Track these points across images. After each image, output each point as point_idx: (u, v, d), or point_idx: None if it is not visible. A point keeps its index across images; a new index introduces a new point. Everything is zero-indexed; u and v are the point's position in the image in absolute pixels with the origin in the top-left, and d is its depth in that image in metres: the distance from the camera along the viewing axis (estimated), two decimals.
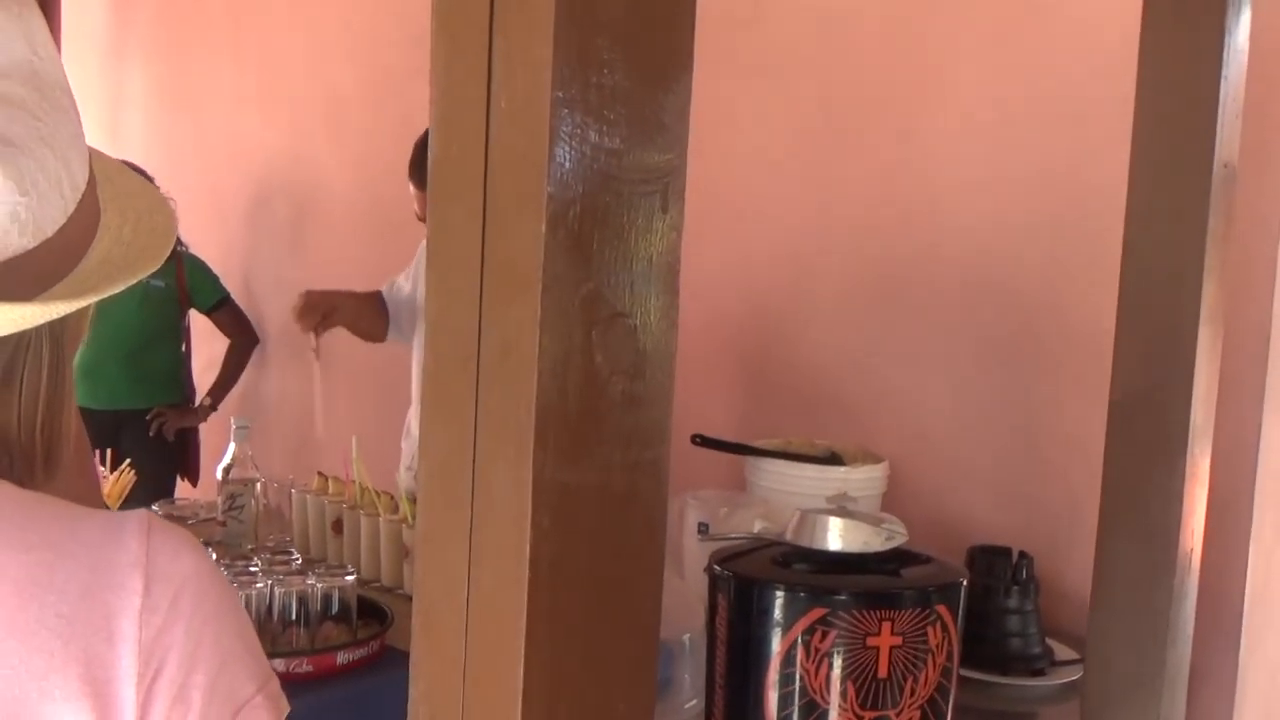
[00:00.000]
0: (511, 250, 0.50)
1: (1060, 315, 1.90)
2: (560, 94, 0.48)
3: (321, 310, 2.17)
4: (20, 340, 0.64)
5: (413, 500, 1.89)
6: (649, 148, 0.53)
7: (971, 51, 2.00)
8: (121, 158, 3.43)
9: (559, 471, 0.51)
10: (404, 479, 2.26)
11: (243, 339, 3.45)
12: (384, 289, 2.44)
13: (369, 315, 2.38)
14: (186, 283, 3.33)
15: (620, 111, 0.51)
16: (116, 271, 0.68)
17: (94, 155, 0.71)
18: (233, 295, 3.47)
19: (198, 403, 3.42)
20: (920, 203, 2.09)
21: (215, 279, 3.41)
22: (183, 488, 3.43)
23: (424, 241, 2.46)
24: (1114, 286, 1.23)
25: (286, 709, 0.68)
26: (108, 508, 0.99)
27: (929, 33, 2.06)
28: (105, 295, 0.66)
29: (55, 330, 0.67)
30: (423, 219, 2.15)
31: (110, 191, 0.72)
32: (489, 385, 0.52)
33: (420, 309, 2.38)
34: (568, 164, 0.49)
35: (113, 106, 4.31)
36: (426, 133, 2.32)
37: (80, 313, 0.68)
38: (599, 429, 0.53)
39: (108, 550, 0.61)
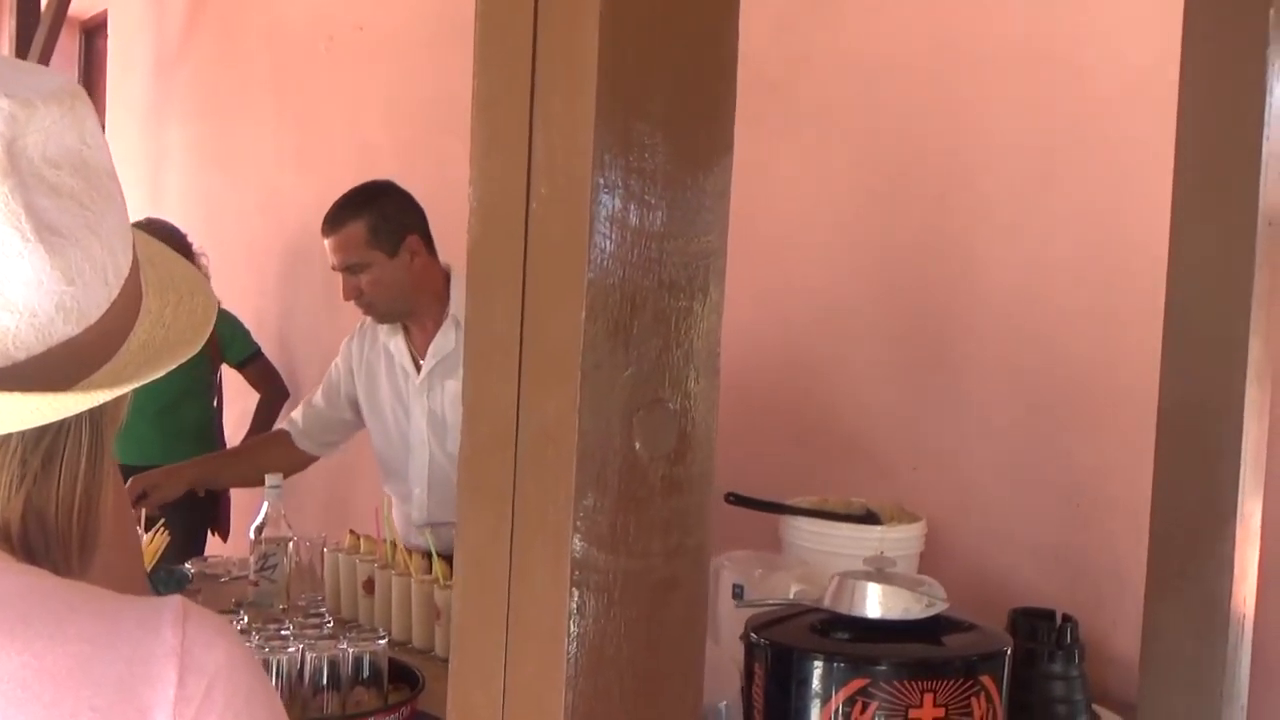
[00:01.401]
0: (551, 337, 0.50)
1: (1107, 372, 1.87)
2: (601, 179, 0.48)
3: (148, 497, 2.26)
4: (60, 426, 0.64)
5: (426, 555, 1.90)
6: (690, 231, 0.52)
7: (1010, 104, 2.00)
8: (160, 215, 3.51)
9: (598, 559, 0.50)
10: (407, 536, 2.26)
11: (273, 393, 3.47)
12: (294, 415, 2.51)
13: (261, 460, 2.42)
14: (218, 339, 3.37)
15: (661, 195, 0.51)
16: (156, 356, 0.69)
17: (136, 238, 0.72)
18: (266, 349, 3.50)
19: None
20: (960, 257, 2.07)
21: (246, 334, 3.44)
22: (213, 543, 3.44)
23: (358, 326, 2.49)
24: (1158, 335, 1.21)
25: None
26: (147, 579, 0.99)
27: (966, 87, 2.06)
28: (144, 381, 0.66)
29: (95, 415, 0.67)
30: (333, 268, 2.24)
31: (152, 275, 0.73)
32: (527, 472, 0.51)
33: (352, 401, 2.41)
34: (608, 249, 0.49)
35: (154, 166, 4.40)
36: (348, 191, 2.36)
37: (120, 397, 0.68)
38: (639, 516, 0.52)
39: (144, 642, 0.61)
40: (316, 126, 3.66)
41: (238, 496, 3.50)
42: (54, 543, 0.65)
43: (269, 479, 2.06)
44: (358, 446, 2.59)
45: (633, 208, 0.50)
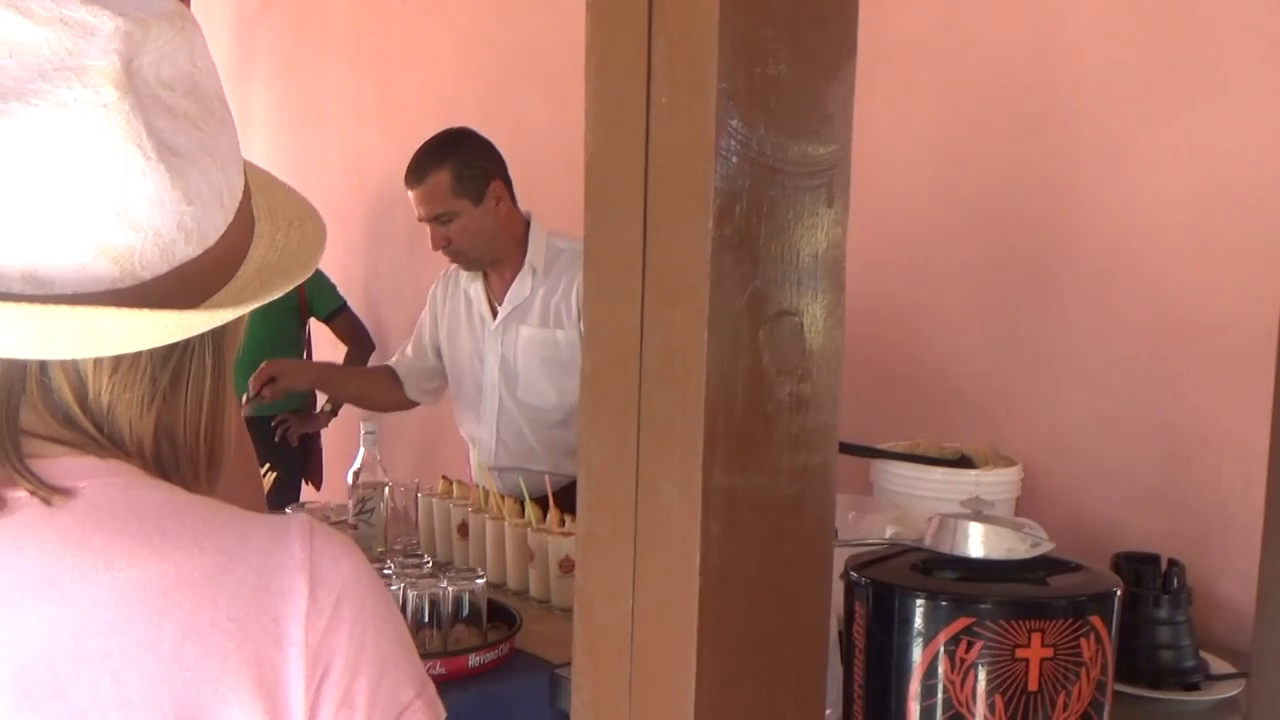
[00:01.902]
0: (676, 250, 0.49)
1: (1211, 308, 1.80)
2: (725, 85, 0.47)
3: (273, 384, 2.29)
4: (186, 346, 0.66)
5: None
6: (814, 139, 0.51)
7: (1106, 33, 1.91)
8: None
9: (727, 477, 0.49)
10: (480, 475, 2.30)
11: (360, 346, 3.54)
12: (393, 361, 2.53)
13: (368, 388, 2.52)
14: (306, 292, 3.44)
15: (785, 103, 0.49)
16: (273, 278, 0.70)
17: (246, 165, 0.73)
18: (352, 304, 3.56)
19: (319, 409, 3.53)
20: (1054, 193, 2.00)
21: (333, 288, 3.51)
22: (307, 491, 3.54)
23: (443, 274, 2.50)
24: (1276, 273, 1.15)
25: (443, 714, 0.68)
26: (268, 509, 1.02)
27: (1058, 16, 1.98)
28: (265, 301, 0.67)
29: (216, 336, 0.68)
30: (420, 219, 2.24)
31: (263, 201, 0.74)
32: (652, 389, 0.50)
33: (435, 347, 2.44)
34: (733, 159, 0.48)
35: (240, 127, 4.46)
36: (427, 140, 2.36)
37: (238, 319, 0.69)
38: (767, 433, 0.51)
39: (274, 554, 0.62)
40: (395, 81, 3.68)
41: (329, 445, 3.59)
42: (184, 460, 0.67)
43: (364, 425, 2.11)
44: (447, 395, 2.63)
45: (758, 115, 0.48)
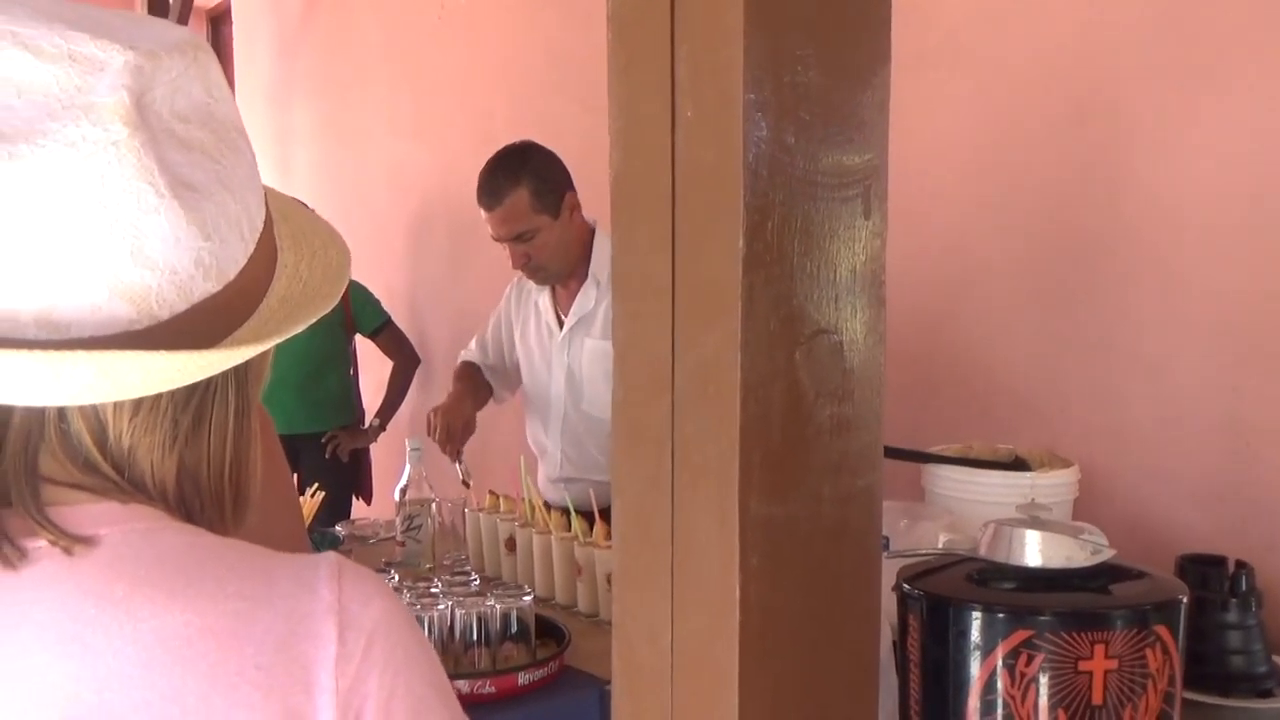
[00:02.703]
0: (706, 268, 0.47)
1: (1275, 294, 1.73)
2: (753, 96, 0.44)
3: (461, 437, 2.26)
4: (208, 385, 0.64)
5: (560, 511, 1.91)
6: (848, 148, 0.48)
7: (1152, 17, 1.86)
8: (290, 193, 3.59)
9: (765, 506, 0.47)
10: (547, 492, 2.28)
11: (405, 360, 3.56)
12: (475, 360, 2.50)
13: (484, 390, 2.48)
14: (351, 308, 3.46)
15: (816, 111, 0.47)
16: (297, 310, 0.68)
17: (269, 193, 0.71)
18: (395, 318, 3.58)
19: (367, 424, 3.55)
20: (1103, 184, 1.95)
21: (377, 303, 3.53)
22: (358, 506, 3.56)
23: (513, 283, 2.45)
24: None
25: None
26: (308, 537, 1.01)
27: (1099, 9, 1.92)
28: (287, 336, 0.65)
29: (240, 372, 0.67)
30: (497, 239, 2.18)
31: (286, 229, 0.73)
32: (685, 416, 0.48)
33: (507, 348, 2.41)
34: (763, 172, 0.45)
35: (282, 145, 4.54)
36: (493, 157, 2.30)
37: (263, 355, 0.68)
38: (807, 459, 0.48)
39: (302, 598, 0.61)
40: (432, 96, 3.70)
41: (378, 460, 3.61)
42: (208, 502, 0.65)
43: (409, 442, 2.11)
44: (489, 412, 2.62)
45: (788, 126, 0.46)
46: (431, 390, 3.78)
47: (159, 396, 0.62)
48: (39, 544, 0.59)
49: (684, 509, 0.49)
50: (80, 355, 0.56)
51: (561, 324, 2.28)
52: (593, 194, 2.37)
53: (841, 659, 0.50)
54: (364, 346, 3.67)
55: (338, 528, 2.43)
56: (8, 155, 0.55)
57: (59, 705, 0.56)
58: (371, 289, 3.54)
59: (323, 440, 3.41)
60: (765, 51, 0.45)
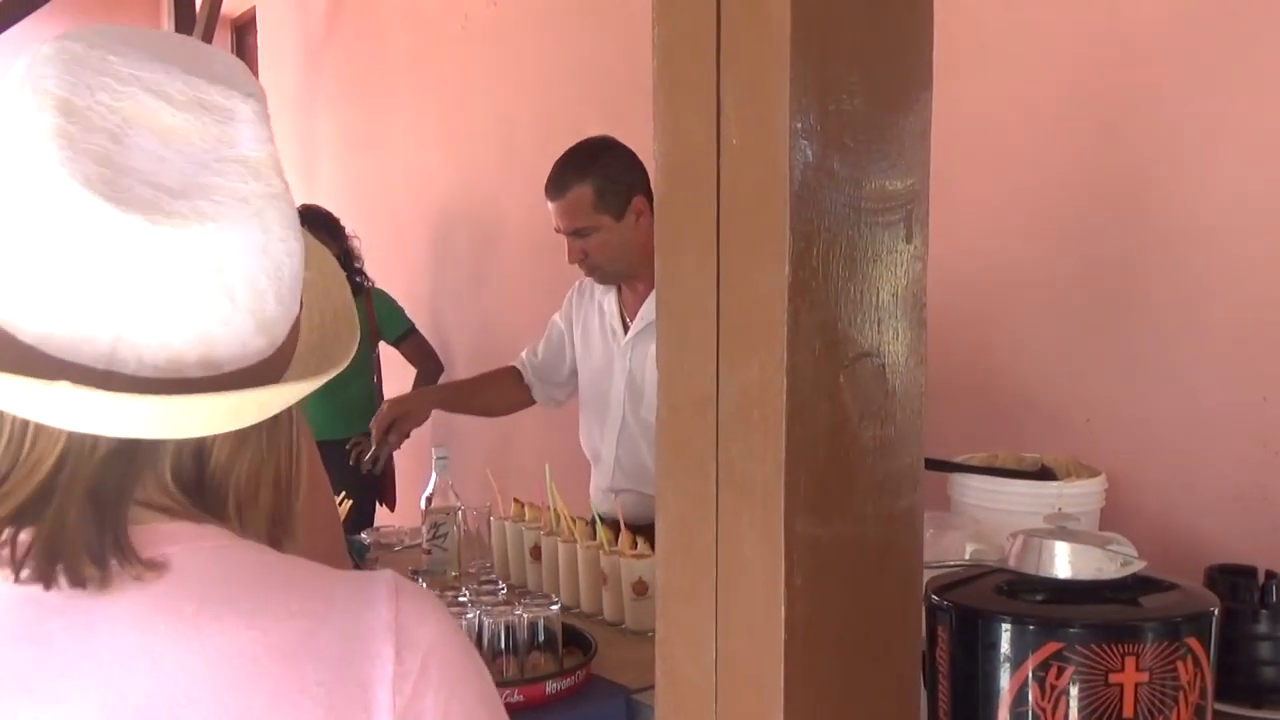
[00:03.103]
0: (751, 295, 0.48)
1: None
2: (799, 124, 0.45)
3: (395, 428, 2.28)
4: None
5: (609, 525, 1.90)
6: (891, 174, 0.49)
7: (1187, 20, 1.85)
8: (314, 201, 3.63)
9: (810, 527, 0.48)
10: (599, 501, 2.26)
11: (429, 367, 3.57)
12: (523, 358, 2.47)
13: (491, 395, 2.47)
14: (375, 316, 3.48)
15: (860, 137, 0.47)
16: (334, 318, 0.71)
17: None
18: (418, 326, 3.60)
19: None
20: (1133, 193, 1.94)
21: (400, 311, 3.55)
22: (381, 513, 3.58)
23: (578, 283, 2.42)
24: None
25: None
26: (348, 555, 1.02)
27: (1135, 15, 1.92)
28: (356, 342, 0.70)
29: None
30: (558, 231, 2.16)
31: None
32: (730, 439, 0.49)
33: (567, 348, 2.38)
34: (809, 198, 0.46)
35: (306, 153, 4.57)
36: (569, 149, 2.27)
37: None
38: (850, 480, 0.49)
39: (361, 616, 0.62)
40: (456, 105, 3.73)
41: (401, 467, 3.63)
42: (271, 518, 0.67)
43: (436, 450, 2.12)
44: (514, 419, 2.63)
45: (833, 153, 0.47)
46: None
47: (252, 426, 0.64)
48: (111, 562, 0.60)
49: (728, 528, 0.49)
50: (250, 393, 0.60)
51: (627, 327, 2.24)
52: None
53: (884, 677, 0.51)
54: (387, 354, 3.69)
55: (363, 535, 2.45)
56: (193, 212, 0.57)
57: (128, 719, 0.57)
58: (394, 297, 3.56)
59: (347, 447, 3.43)
60: (811, 79, 0.45)
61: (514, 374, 2.47)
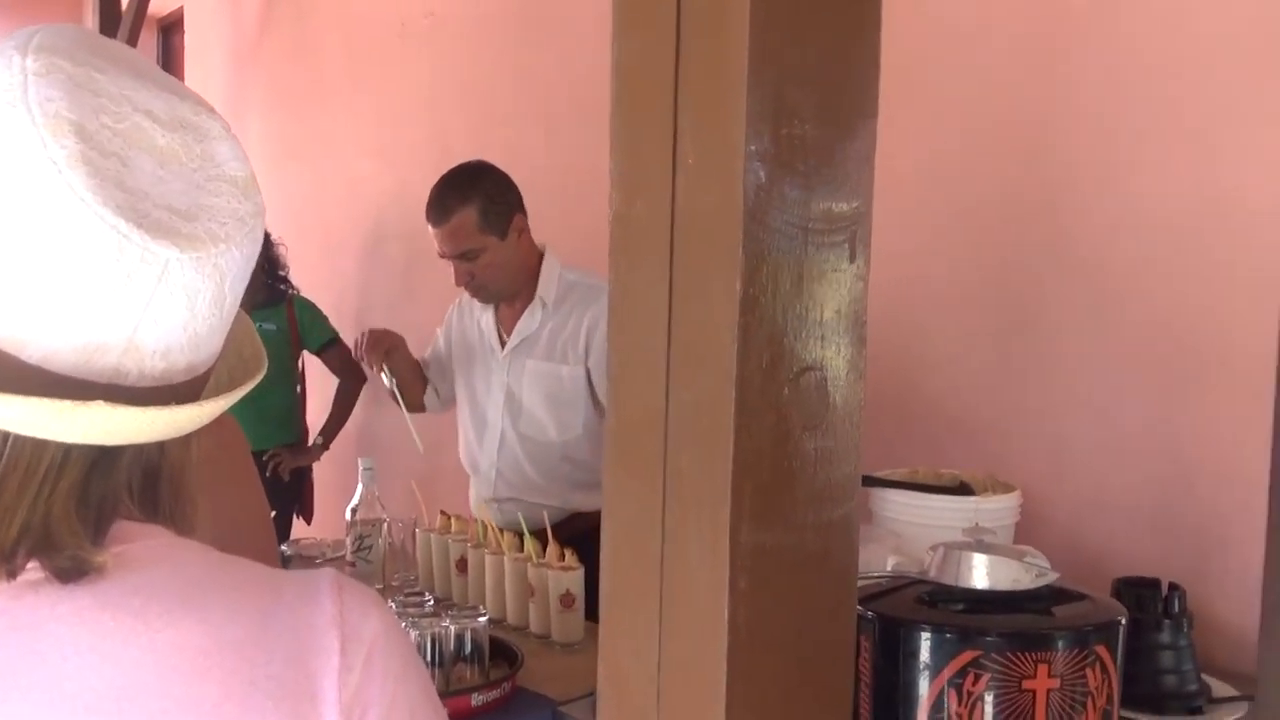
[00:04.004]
0: (702, 310, 0.49)
1: (1208, 332, 1.81)
2: (754, 147, 0.47)
3: (384, 346, 2.27)
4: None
5: (538, 537, 1.91)
6: (837, 197, 0.51)
7: (1098, 58, 1.94)
8: None
9: (754, 534, 0.50)
10: (477, 511, 2.29)
11: (351, 378, 3.52)
12: (426, 356, 2.51)
13: (419, 376, 2.48)
14: (298, 324, 3.42)
15: (810, 162, 0.50)
16: (241, 364, 0.71)
17: None
18: (345, 335, 3.55)
19: (310, 442, 3.51)
20: (1048, 218, 2.02)
21: (324, 320, 3.49)
22: (298, 525, 3.52)
23: (458, 300, 2.45)
24: (1275, 299, 1.16)
25: None
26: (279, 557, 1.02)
27: (1050, 43, 2.00)
28: (252, 384, 0.69)
29: None
30: (443, 256, 2.19)
31: None
32: (679, 447, 0.51)
33: (446, 364, 2.41)
34: (760, 218, 0.48)
35: None
36: (446, 175, 2.30)
37: None
38: (792, 488, 0.51)
39: (307, 611, 0.63)
40: (392, 114, 3.70)
41: (324, 479, 3.58)
42: (185, 510, 0.67)
43: (362, 461, 2.10)
44: (441, 428, 2.62)
45: (784, 175, 0.49)
46: (380, 409, 3.76)
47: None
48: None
49: (675, 535, 0.51)
50: (221, 400, 0.61)
51: (504, 344, 2.30)
52: (549, 216, 2.39)
53: (820, 679, 0.53)
54: (312, 363, 3.64)
55: (283, 547, 2.41)
56: (208, 236, 0.58)
57: (78, 715, 0.57)
58: (322, 306, 3.51)
59: (264, 458, 3.36)
60: (765, 104, 0.48)
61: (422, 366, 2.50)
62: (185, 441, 0.65)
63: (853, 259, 0.52)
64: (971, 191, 2.13)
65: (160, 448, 0.64)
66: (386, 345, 2.27)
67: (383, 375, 2.25)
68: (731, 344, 0.48)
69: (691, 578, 0.50)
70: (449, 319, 2.46)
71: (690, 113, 0.49)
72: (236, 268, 0.61)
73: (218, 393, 0.64)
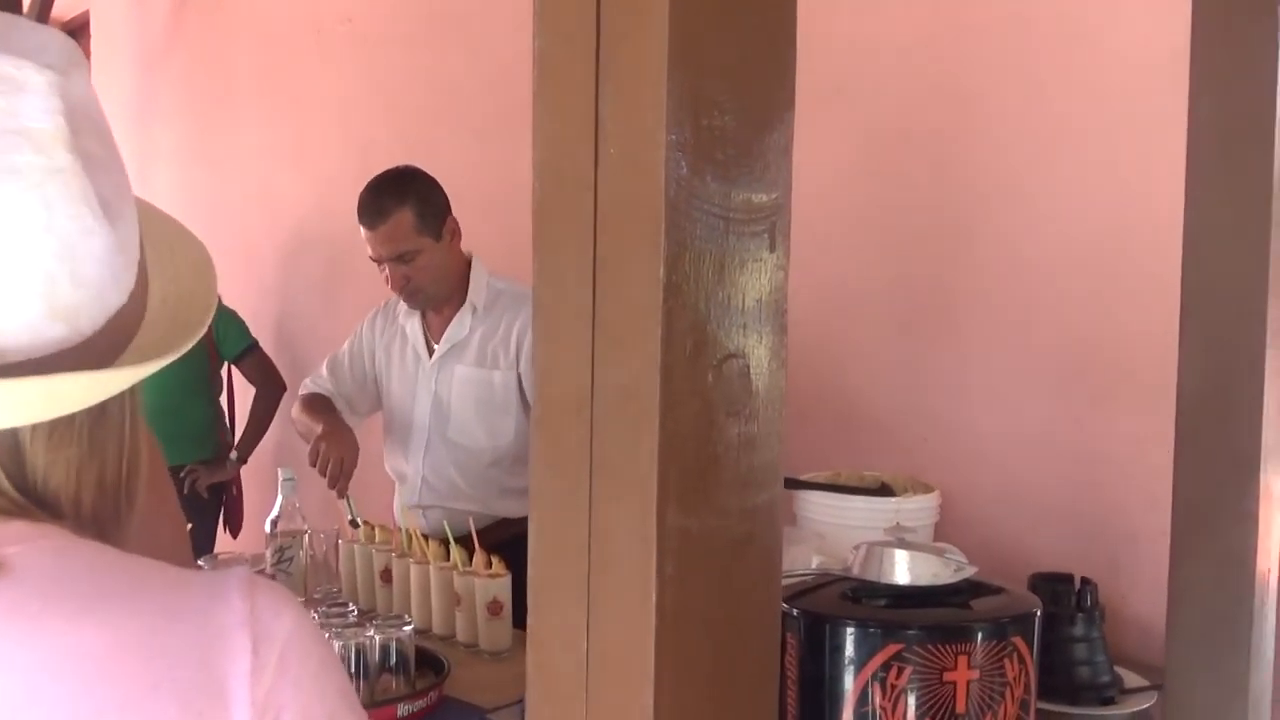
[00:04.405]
0: (626, 297, 0.50)
1: (1116, 334, 1.88)
2: (674, 137, 0.48)
3: (350, 469, 2.17)
4: (113, 398, 0.64)
5: (464, 545, 1.89)
6: (757, 188, 0.52)
7: (1012, 81, 2.00)
8: None
9: (680, 518, 0.50)
10: (403, 518, 2.26)
11: (270, 386, 3.44)
12: (327, 388, 2.42)
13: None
14: (215, 333, 3.34)
15: (730, 153, 0.51)
16: (182, 307, 0.69)
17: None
18: (264, 345, 3.48)
19: (228, 458, 3.42)
20: (963, 234, 2.08)
21: (242, 327, 3.41)
22: (224, 540, 3.43)
23: (374, 312, 2.40)
24: (1174, 303, 1.21)
25: None
26: (194, 556, 0.99)
27: (967, 65, 2.06)
28: (205, 327, 0.67)
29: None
30: (377, 259, 2.16)
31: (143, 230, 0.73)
32: (605, 433, 0.51)
33: (369, 372, 2.35)
34: (682, 207, 0.49)
35: (142, 165, 4.37)
36: (376, 178, 2.29)
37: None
38: (717, 473, 0.52)
39: (214, 611, 0.61)
40: (309, 121, 3.64)
41: (249, 492, 3.50)
42: (108, 513, 0.65)
43: (282, 472, 2.06)
44: (362, 436, 2.58)
45: (705, 166, 0.50)
46: None
47: (73, 413, 0.62)
48: None
49: (601, 521, 0.51)
50: (30, 381, 0.56)
51: (432, 351, 2.27)
52: (473, 224, 2.38)
53: (746, 662, 0.54)
54: (239, 373, 3.55)
55: (201, 562, 2.35)
56: None
57: None
58: (241, 315, 3.44)
59: (181, 475, 3.27)
60: (686, 96, 0.48)
61: (330, 401, 2.41)
62: (51, 436, 0.62)
63: (773, 249, 0.53)
64: (892, 201, 2.18)
65: (15, 441, 0.61)
66: (350, 467, 2.16)
67: (345, 502, 2.15)
68: (656, 330, 0.48)
69: (619, 562, 0.51)
70: (369, 327, 2.42)
71: (611, 103, 0.49)
72: (11, 230, 0.56)
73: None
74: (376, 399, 2.41)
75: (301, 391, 2.44)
